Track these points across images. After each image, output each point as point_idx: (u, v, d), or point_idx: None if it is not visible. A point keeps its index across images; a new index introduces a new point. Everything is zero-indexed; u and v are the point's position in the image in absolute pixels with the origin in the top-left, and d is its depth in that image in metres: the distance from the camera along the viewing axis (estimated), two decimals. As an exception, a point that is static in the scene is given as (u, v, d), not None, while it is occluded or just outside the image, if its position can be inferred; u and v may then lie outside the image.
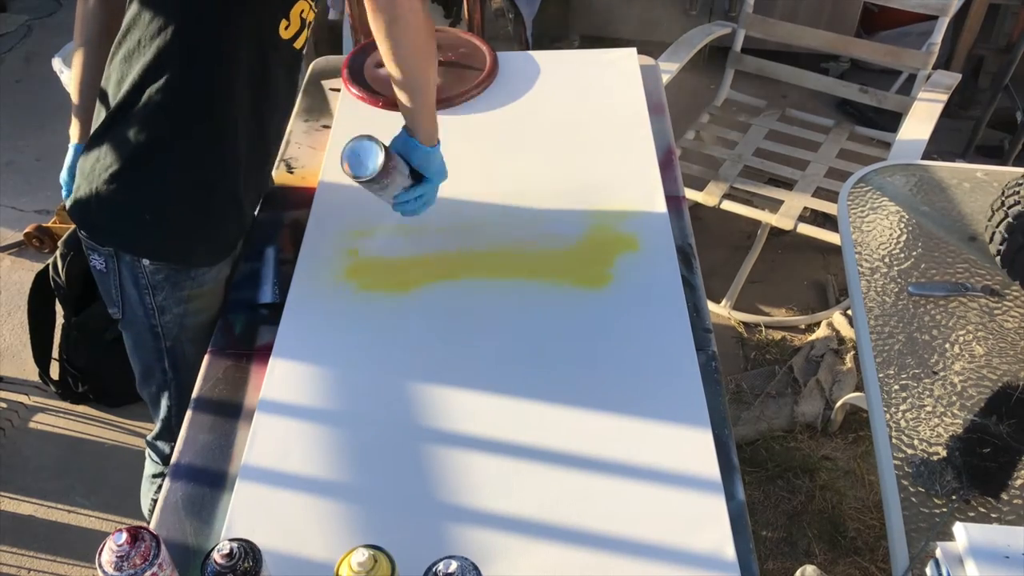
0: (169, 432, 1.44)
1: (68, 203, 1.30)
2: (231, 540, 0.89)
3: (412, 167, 1.32)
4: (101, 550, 0.85)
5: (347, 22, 2.83)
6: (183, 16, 1.18)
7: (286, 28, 1.25)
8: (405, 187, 1.32)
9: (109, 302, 1.36)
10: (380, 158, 1.23)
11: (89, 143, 1.26)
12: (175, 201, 1.27)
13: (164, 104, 1.19)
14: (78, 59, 1.38)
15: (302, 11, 1.26)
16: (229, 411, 1.20)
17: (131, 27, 1.21)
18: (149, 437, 1.52)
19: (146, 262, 1.27)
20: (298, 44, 1.29)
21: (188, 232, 1.30)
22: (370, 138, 1.24)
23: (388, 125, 1.68)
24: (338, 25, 3.05)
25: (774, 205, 2.34)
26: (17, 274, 2.64)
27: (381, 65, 1.82)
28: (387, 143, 1.28)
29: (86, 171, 1.25)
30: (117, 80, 1.22)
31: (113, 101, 1.22)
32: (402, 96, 1.28)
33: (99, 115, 1.26)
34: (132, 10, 1.21)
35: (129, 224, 1.26)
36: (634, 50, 1.86)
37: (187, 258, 1.30)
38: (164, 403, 1.42)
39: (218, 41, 1.20)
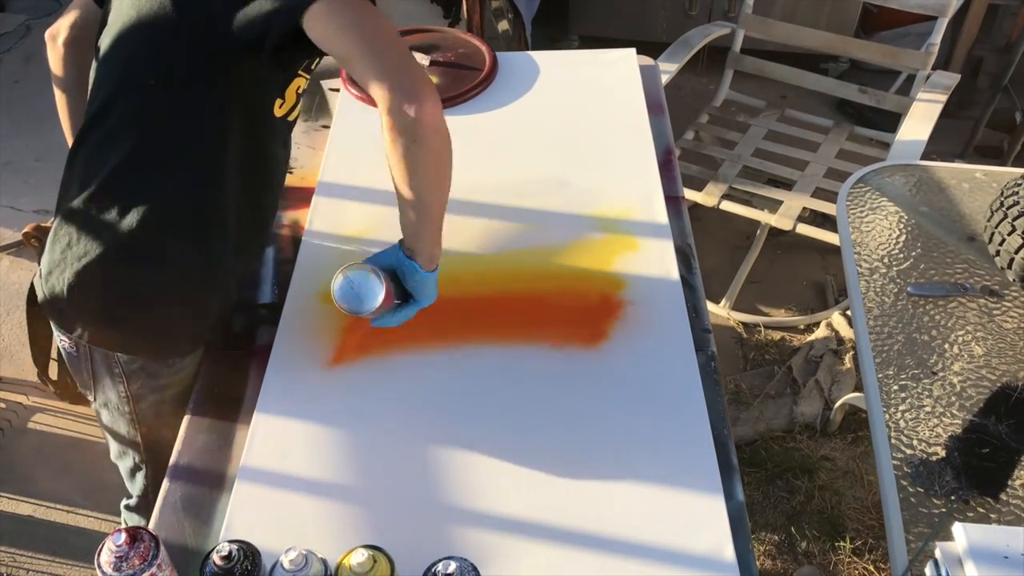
0: (146, 507, 1.37)
1: (36, 283, 1.21)
2: (230, 541, 0.89)
3: (404, 287, 1.16)
4: (100, 550, 0.85)
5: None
6: (165, 109, 1.11)
7: (280, 106, 1.18)
8: (390, 308, 1.16)
9: (80, 383, 1.28)
10: (380, 296, 1.09)
11: (58, 223, 1.16)
12: (156, 299, 1.18)
13: (145, 198, 1.12)
14: (63, 107, 1.34)
15: (298, 88, 1.19)
16: (228, 411, 1.20)
17: (106, 110, 1.12)
18: (125, 503, 1.45)
19: (120, 354, 1.20)
20: (292, 116, 1.23)
21: (168, 328, 1.22)
22: (371, 269, 1.10)
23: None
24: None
25: (773, 205, 2.34)
26: (16, 274, 2.64)
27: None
28: (378, 258, 1.16)
29: (56, 254, 1.16)
30: (89, 162, 1.14)
31: (87, 183, 1.13)
32: (407, 215, 1.10)
33: (70, 187, 1.16)
34: (104, 90, 1.13)
35: (102, 318, 1.18)
36: (633, 50, 1.86)
37: (166, 352, 1.22)
38: (140, 480, 1.37)
39: (204, 133, 1.12)
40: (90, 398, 1.29)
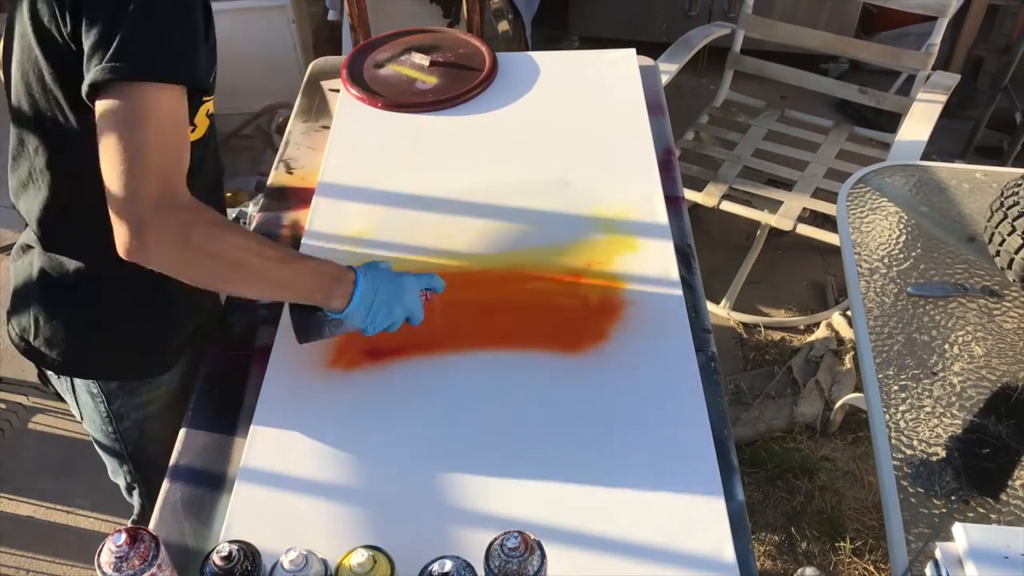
0: (146, 524, 1.34)
1: (7, 327, 1.22)
2: (230, 542, 0.89)
3: None
4: (100, 551, 0.85)
5: (346, 22, 2.83)
6: (66, 148, 1.06)
7: (192, 131, 1.09)
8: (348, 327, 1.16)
9: (68, 402, 1.29)
10: (298, 335, 1.13)
11: (13, 252, 1.18)
12: (113, 321, 1.18)
13: (75, 234, 1.11)
14: None
15: (208, 111, 1.13)
16: (228, 412, 1.20)
17: (18, 155, 1.11)
18: (133, 519, 1.45)
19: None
20: (204, 135, 1.15)
21: (134, 348, 1.21)
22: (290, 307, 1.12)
23: (387, 126, 1.69)
24: (338, 25, 3.05)
25: (773, 206, 2.34)
26: (16, 274, 2.64)
27: (381, 66, 1.83)
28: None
29: (17, 290, 1.17)
30: (25, 208, 1.14)
31: (26, 222, 1.14)
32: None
33: (23, 225, 1.17)
34: (13, 136, 1.11)
35: (71, 348, 1.18)
36: (633, 51, 1.86)
37: (139, 373, 1.22)
38: (136, 499, 1.37)
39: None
40: (79, 420, 1.30)
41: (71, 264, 1.13)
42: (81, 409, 1.27)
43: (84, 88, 0.93)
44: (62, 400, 1.81)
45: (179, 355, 1.26)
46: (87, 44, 0.93)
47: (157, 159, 0.93)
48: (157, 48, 0.92)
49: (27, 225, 1.16)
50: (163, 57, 0.93)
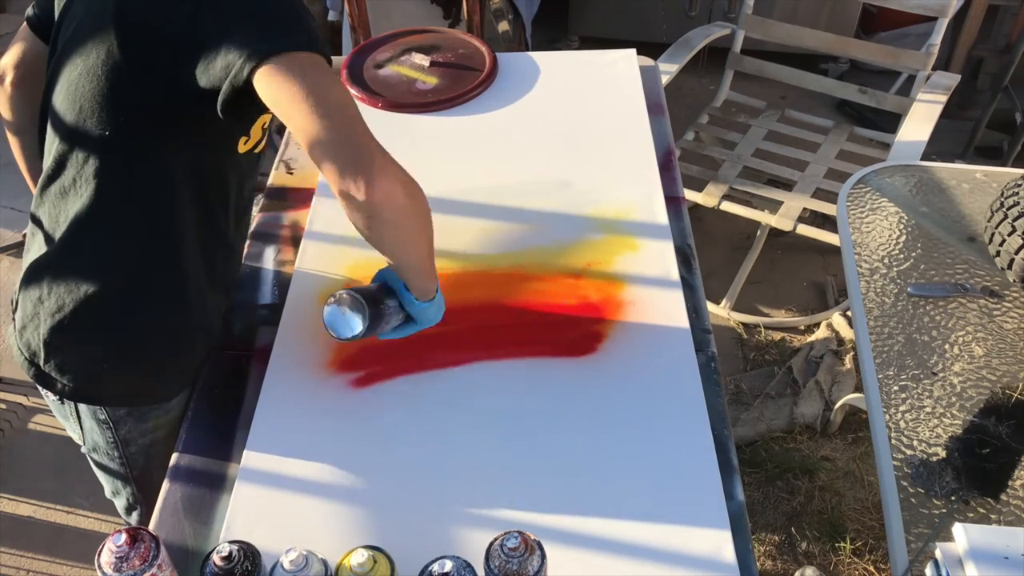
0: None
1: (12, 340, 1.19)
2: (230, 542, 0.89)
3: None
4: (100, 551, 0.85)
5: (347, 22, 2.83)
6: (119, 161, 1.07)
7: (245, 143, 1.14)
8: (395, 326, 1.14)
9: (68, 427, 1.26)
10: (357, 329, 1.07)
11: (28, 274, 1.14)
12: (135, 346, 1.15)
13: (110, 249, 1.10)
14: (19, 151, 1.31)
15: (264, 123, 1.16)
16: (228, 412, 1.20)
17: (63, 162, 1.09)
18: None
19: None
20: (258, 149, 1.19)
21: (151, 373, 1.19)
22: (355, 300, 1.07)
23: (387, 126, 1.69)
24: (338, 25, 3.05)
25: (773, 206, 2.34)
26: (16, 275, 2.62)
27: (381, 66, 1.83)
28: (382, 274, 1.13)
29: (28, 311, 1.13)
30: (52, 215, 1.11)
31: (50, 235, 1.11)
32: (390, 261, 1.09)
33: (33, 240, 1.14)
34: (59, 145, 1.09)
35: (83, 373, 1.15)
36: (633, 51, 1.86)
37: (152, 398, 1.20)
38: (136, 518, 1.35)
39: (164, 179, 1.09)
40: (78, 442, 1.27)
41: (90, 286, 1.10)
42: (85, 435, 1.23)
43: (237, 68, 0.95)
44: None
45: (189, 380, 1.24)
46: (229, 28, 0.96)
47: (356, 111, 0.99)
48: (303, 26, 0.99)
49: (46, 239, 1.12)
50: (310, 33, 0.99)
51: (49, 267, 1.12)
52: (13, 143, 1.31)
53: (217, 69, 0.97)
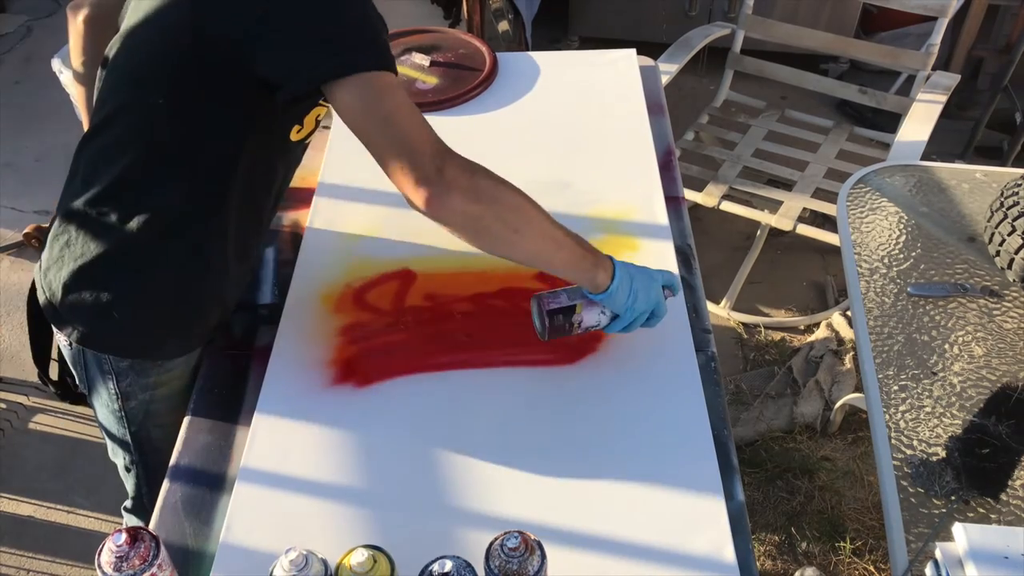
0: (142, 508, 1.38)
1: (36, 277, 1.20)
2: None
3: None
4: (100, 551, 0.85)
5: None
6: (173, 129, 1.09)
7: (298, 132, 1.16)
8: (603, 323, 1.17)
9: (77, 377, 1.28)
10: (539, 328, 1.18)
11: (62, 216, 1.16)
12: (150, 302, 1.17)
13: (147, 208, 1.11)
14: (79, 89, 1.33)
15: (318, 115, 1.18)
16: (228, 412, 1.20)
17: (113, 118, 1.10)
18: (124, 504, 1.44)
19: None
20: (309, 140, 1.22)
21: (160, 332, 1.21)
22: (536, 301, 1.17)
23: (388, 126, 1.69)
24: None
25: (773, 206, 2.34)
26: (16, 275, 2.64)
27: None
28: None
29: (55, 251, 1.16)
30: (94, 165, 1.13)
31: (89, 184, 1.12)
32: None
33: (72, 184, 1.16)
34: (113, 99, 1.11)
35: (95, 320, 1.16)
36: (633, 51, 1.86)
37: (156, 354, 1.22)
38: (133, 480, 1.36)
39: (212, 156, 1.11)
40: (85, 393, 1.29)
41: (117, 238, 1.11)
42: (89, 383, 1.26)
43: (312, 75, 0.99)
44: (62, 400, 1.82)
45: (196, 345, 1.26)
46: (306, 31, 0.98)
47: (420, 119, 1.02)
48: (380, 42, 1.02)
49: (84, 184, 1.13)
50: (385, 49, 1.02)
51: (82, 214, 1.13)
52: (75, 79, 1.33)
53: (290, 68, 0.99)
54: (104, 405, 1.27)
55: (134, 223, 1.11)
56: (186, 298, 1.19)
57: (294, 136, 1.16)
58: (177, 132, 1.09)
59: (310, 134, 1.20)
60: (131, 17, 1.10)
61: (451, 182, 1.00)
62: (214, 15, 1.01)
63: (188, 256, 1.16)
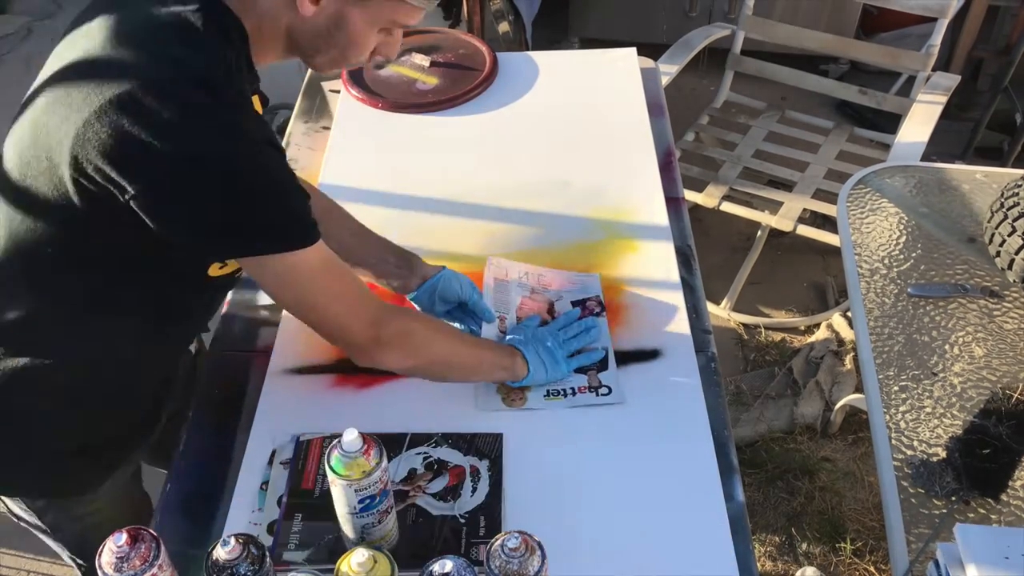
0: None
1: None
2: (235, 535, 0.89)
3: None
4: (101, 551, 0.84)
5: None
6: (66, 282, 0.96)
7: (221, 268, 1.02)
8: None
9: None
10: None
11: None
12: (35, 435, 1.06)
13: (39, 355, 1.00)
14: None
15: None
16: (229, 412, 1.20)
17: None
18: None
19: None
20: (233, 271, 1.06)
21: (58, 472, 1.10)
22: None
23: (387, 126, 1.69)
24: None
25: (773, 207, 2.34)
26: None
27: (381, 66, 1.83)
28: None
29: None
30: None
31: None
32: None
33: None
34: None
35: None
36: (633, 50, 1.86)
37: (62, 493, 1.13)
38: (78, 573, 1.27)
39: (111, 303, 0.99)
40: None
41: (10, 365, 1.00)
42: (13, 514, 1.17)
43: (201, 257, 0.96)
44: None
45: (111, 471, 1.16)
46: (198, 224, 0.89)
47: (348, 291, 1.00)
48: (280, 217, 0.92)
49: None
50: (287, 226, 0.93)
51: None
52: None
53: (184, 240, 0.91)
54: (39, 532, 1.19)
55: (23, 370, 1.00)
56: (76, 440, 1.09)
57: (215, 271, 1.02)
58: (67, 287, 0.97)
59: (238, 269, 1.06)
60: (12, 144, 0.95)
61: (387, 345, 1.03)
62: (91, 167, 0.85)
63: (61, 386, 1.04)
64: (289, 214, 0.93)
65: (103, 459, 1.15)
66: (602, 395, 1.18)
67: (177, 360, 1.23)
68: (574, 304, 1.30)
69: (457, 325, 1.25)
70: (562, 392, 1.18)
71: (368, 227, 1.28)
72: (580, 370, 1.20)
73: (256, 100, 1.05)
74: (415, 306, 1.25)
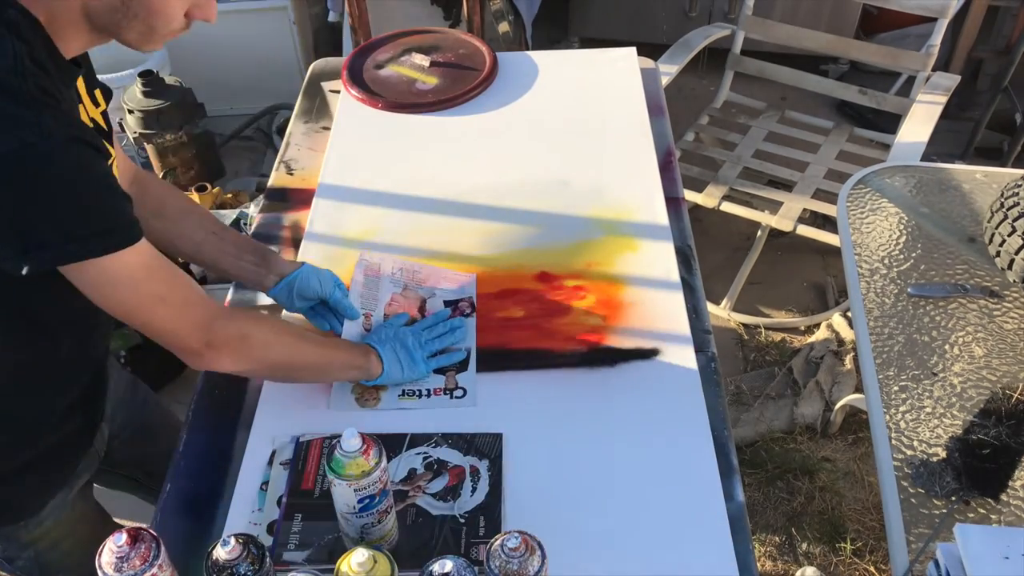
0: None
1: None
2: (235, 535, 0.89)
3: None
4: (101, 551, 0.84)
5: (347, 23, 2.83)
6: None
7: None
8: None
9: None
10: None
11: None
12: None
13: None
14: None
15: None
16: (229, 412, 1.20)
17: None
18: None
19: None
20: None
21: None
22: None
23: (387, 127, 1.69)
24: (338, 26, 3.05)
25: (773, 207, 2.34)
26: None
27: (381, 66, 1.83)
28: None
29: None
30: None
31: None
32: None
33: None
34: None
35: None
36: (633, 50, 1.86)
37: (5, 519, 1.10)
38: None
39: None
40: None
41: None
42: None
43: (37, 262, 0.85)
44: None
45: (47, 493, 1.12)
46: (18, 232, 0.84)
47: (176, 292, 0.96)
48: (100, 217, 0.87)
49: None
50: (95, 231, 0.87)
51: None
52: None
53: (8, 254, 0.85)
54: None
55: None
56: (7, 458, 1.07)
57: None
58: None
59: None
60: None
61: (220, 348, 1.00)
62: None
63: None
64: (100, 215, 0.87)
65: (34, 482, 1.11)
66: (456, 397, 1.17)
67: (97, 371, 1.16)
68: (447, 304, 1.30)
69: (347, 323, 1.23)
70: (416, 393, 1.18)
71: (366, 229, 1.26)
72: (440, 371, 1.20)
73: (82, 90, 0.96)
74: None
